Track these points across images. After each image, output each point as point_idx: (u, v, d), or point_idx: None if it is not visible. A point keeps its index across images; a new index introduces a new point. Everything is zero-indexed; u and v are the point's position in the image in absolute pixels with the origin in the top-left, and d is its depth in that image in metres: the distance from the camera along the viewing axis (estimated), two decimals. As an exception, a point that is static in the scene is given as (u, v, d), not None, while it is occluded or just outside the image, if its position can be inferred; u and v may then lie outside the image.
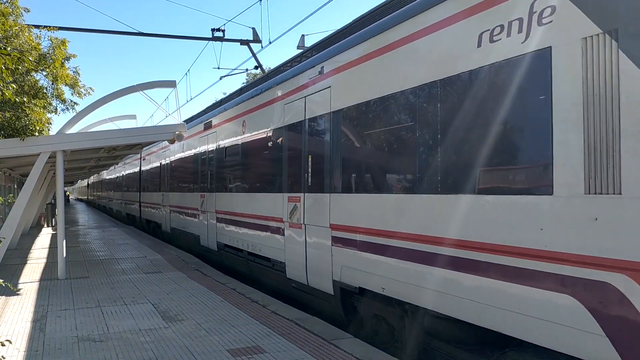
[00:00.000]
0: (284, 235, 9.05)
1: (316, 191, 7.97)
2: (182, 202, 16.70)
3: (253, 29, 17.92)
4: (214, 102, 16.64)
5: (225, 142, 12.63)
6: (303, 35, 15.00)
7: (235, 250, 11.62)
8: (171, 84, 13.46)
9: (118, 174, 34.32)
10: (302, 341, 6.63)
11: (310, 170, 8.21)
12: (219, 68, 42.91)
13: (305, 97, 8.47)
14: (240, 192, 11.55)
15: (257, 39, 17.59)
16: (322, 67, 7.99)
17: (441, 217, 5.40)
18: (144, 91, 12.86)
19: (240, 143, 11.53)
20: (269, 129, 9.93)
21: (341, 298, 7.43)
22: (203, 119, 15.04)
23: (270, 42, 19.50)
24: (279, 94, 9.57)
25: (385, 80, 6.44)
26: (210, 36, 17.70)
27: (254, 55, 18.26)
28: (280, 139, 9.42)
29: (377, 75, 6.62)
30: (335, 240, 7.39)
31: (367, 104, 6.80)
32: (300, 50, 12.26)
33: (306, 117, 8.40)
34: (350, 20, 8.32)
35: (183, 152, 17.01)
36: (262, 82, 11.31)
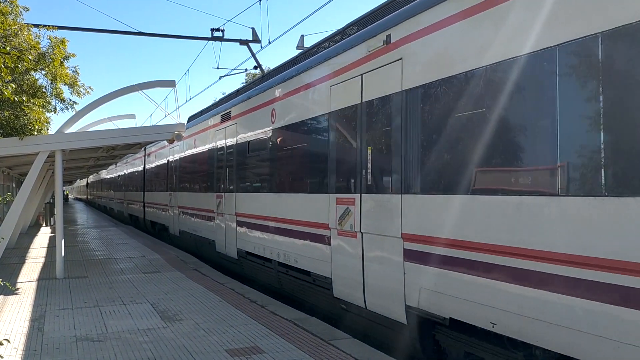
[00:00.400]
0: (329, 244, 7.47)
1: (380, 191, 6.37)
2: (194, 203, 14.99)
3: (252, 29, 17.91)
4: (232, 91, 14.70)
5: (248, 135, 10.94)
6: (302, 36, 15.00)
7: (262, 260, 10.05)
8: (170, 83, 13.49)
9: (120, 173, 32.59)
10: (301, 341, 6.63)
11: (370, 165, 6.57)
12: (218, 68, 42.86)
13: (361, 75, 6.85)
14: (269, 192, 9.79)
15: (256, 39, 17.57)
16: (389, 36, 6.33)
17: (618, 230, 3.72)
18: (143, 91, 12.87)
19: (268, 136, 9.84)
20: (308, 117, 8.33)
21: (419, 329, 5.83)
22: (220, 110, 13.30)
23: (269, 42, 19.49)
24: (323, 75, 7.92)
25: (502, 41, 4.75)
26: (210, 36, 17.70)
27: (253, 55, 18.24)
28: (324, 129, 7.83)
29: (486, 36, 4.95)
30: (411, 254, 5.79)
31: (470, 76, 5.10)
32: (299, 51, 12.21)
33: (363, 100, 6.76)
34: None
35: (195, 147, 15.20)
36: (290, 66, 9.80)
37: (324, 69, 7.98)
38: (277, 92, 9.60)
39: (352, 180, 6.99)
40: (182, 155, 16.84)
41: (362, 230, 6.70)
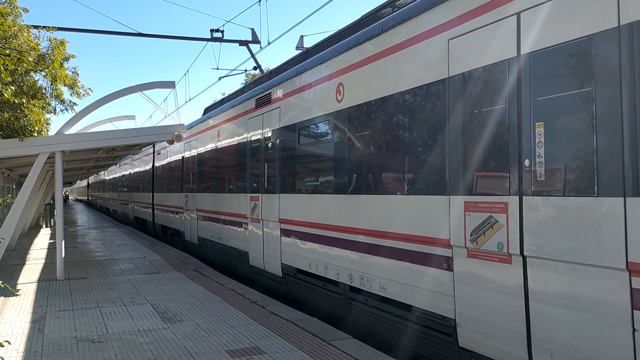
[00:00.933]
0: (450, 270, 5.32)
1: (569, 192, 4.16)
2: (219, 206, 12.86)
3: (252, 29, 17.99)
4: (264, 73, 11.73)
5: (299, 121, 8.73)
6: (302, 36, 15.02)
7: (322, 282, 8.00)
8: (170, 84, 13.48)
9: (124, 172, 30.28)
10: (301, 342, 6.63)
11: (542, 151, 4.35)
12: (217, 69, 43.05)
13: (518, 13, 4.63)
14: (334, 193, 7.54)
15: (256, 40, 17.62)
16: None
17: None
18: (143, 92, 12.87)
19: (333, 119, 7.64)
20: (405, 88, 6.08)
21: None
22: (254, 94, 10.98)
23: (269, 43, 19.41)
24: (434, 25, 5.67)
25: None
26: (209, 37, 17.74)
27: (252, 56, 18.29)
28: (435, 102, 5.61)
29: None
30: None
31: None
32: (300, 51, 12.16)
33: (523, 51, 4.57)
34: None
35: (219, 141, 13.02)
36: (355, 31, 7.73)
37: (434, 18, 5.69)
38: (347, 61, 7.38)
39: (500, 175, 4.79)
40: (202, 150, 14.54)
41: (524, 253, 4.52)
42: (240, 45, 18.04)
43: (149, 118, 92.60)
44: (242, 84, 37.21)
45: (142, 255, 15.34)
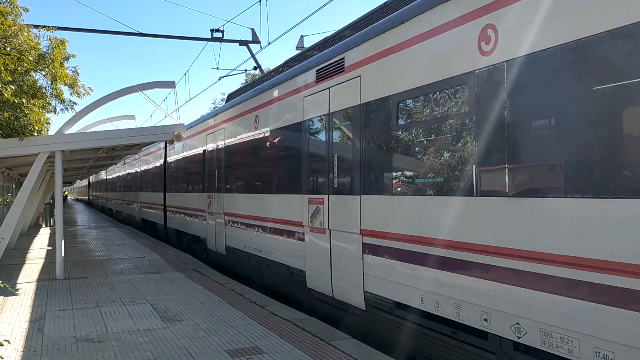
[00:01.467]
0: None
1: None
2: (257, 210, 10.33)
3: (252, 29, 18.00)
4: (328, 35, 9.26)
5: (398, 91, 6.13)
6: (302, 36, 15.05)
7: (449, 328, 5.36)
8: (170, 84, 13.50)
9: (130, 170, 28.05)
10: (301, 342, 6.63)
11: None
12: (217, 69, 43.28)
13: None
14: (488, 195, 4.78)
15: (256, 40, 17.64)
16: None
17: None
18: (143, 91, 12.88)
19: (473, 82, 5.01)
20: None
21: None
22: (315, 63, 8.31)
23: (269, 43, 19.42)
24: None
25: None
26: (210, 37, 17.76)
27: (252, 56, 18.30)
28: None
29: None
30: None
31: None
32: (299, 52, 12.15)
33: None
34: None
35: (257, 128, 10.50)
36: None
37: None
38: None
39: None
40: (231, 142, 12.08)
41: None
42: (240, 45, 18.07)
43: (149, 118, 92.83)
44: (242, 84, 37.21)
45: (141, 255, 15.35)
